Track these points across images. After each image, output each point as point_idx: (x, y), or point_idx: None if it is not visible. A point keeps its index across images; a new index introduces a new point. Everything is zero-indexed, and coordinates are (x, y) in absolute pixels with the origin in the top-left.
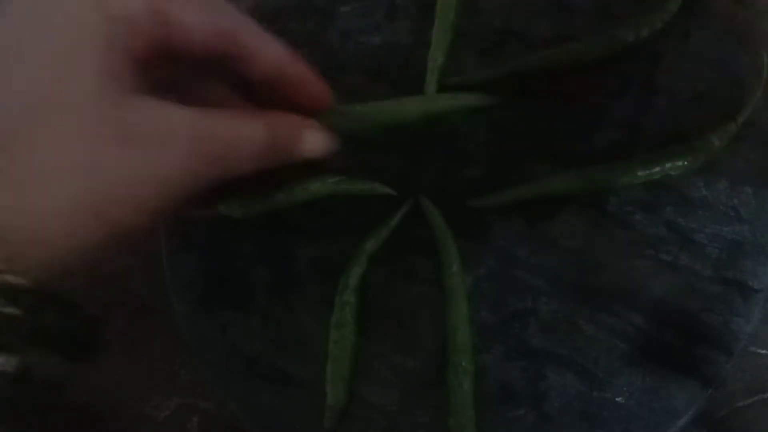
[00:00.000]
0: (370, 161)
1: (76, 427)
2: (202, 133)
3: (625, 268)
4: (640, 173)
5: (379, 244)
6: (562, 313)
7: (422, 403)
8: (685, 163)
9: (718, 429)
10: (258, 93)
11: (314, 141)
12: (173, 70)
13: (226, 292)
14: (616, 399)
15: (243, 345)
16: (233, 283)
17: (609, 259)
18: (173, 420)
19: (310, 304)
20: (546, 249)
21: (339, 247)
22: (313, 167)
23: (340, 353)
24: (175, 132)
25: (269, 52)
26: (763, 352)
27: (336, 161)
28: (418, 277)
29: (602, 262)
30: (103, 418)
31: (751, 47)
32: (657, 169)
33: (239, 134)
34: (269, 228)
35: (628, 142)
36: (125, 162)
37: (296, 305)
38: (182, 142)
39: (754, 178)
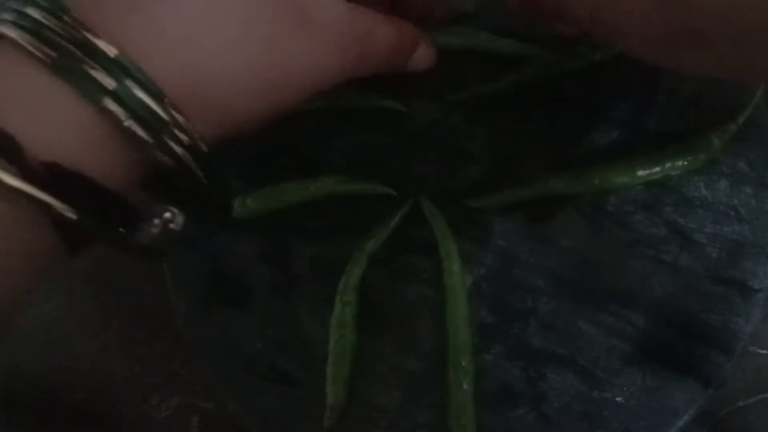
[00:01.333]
0: (370, 161)
1: (76, 427)
2: (358, 29)
3: (625, 268)
4: (640, 173)
5: (379, 244)
6: (562, 313)
7: (422, 403)
8: (685, 163)
9: (718, 429)
10: None
11: (425, 55)
12: None
13: (226, 292)
14: (616, 399)
15: (243, 345)
16: (233, 283)
17: (609, 259)
18: (173, 420)
19: (310, 304)
20: (546, 249)
21: (339, 247)
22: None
23: (340, 353)
24: (338, 25)
25: None
26: (763, 352)
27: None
28: (418, 277)
29: (602, 262)
30: (103, 418)
31: None
32: (657, 169)
33: (379, 34)
34: (269, 228)
35: (628, 142)
36: (301, 43)
37: (296, 305)
38: (341, 35)
39: (754, 178)
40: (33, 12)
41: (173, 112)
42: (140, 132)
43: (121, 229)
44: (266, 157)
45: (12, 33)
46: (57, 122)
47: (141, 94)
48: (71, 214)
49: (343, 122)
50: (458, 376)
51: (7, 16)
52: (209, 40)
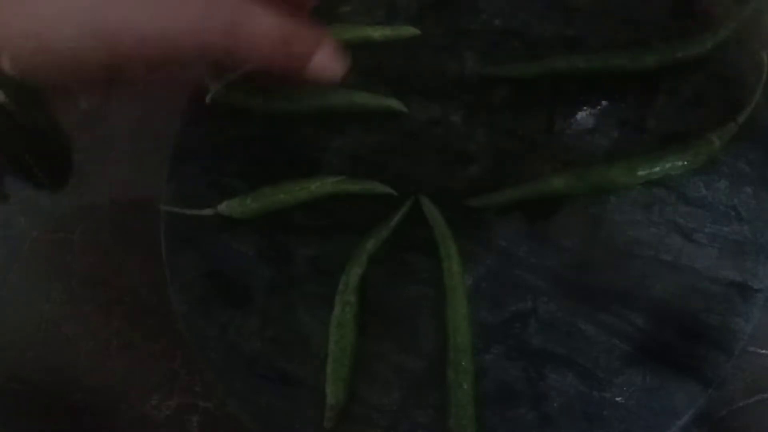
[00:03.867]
0: (370, 161)
1: (76, 427)
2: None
3: (625, 268)
4: (640, 173)
5: (379, 244)
6: (562, 313)
7: (422, 403)
8: (685, 163)
9: (718, 429)
10: None
11: (331, 56)
12: None
13: (226, 292)
14: (616, 399)
15: (243, 345)
16: (233, 283)
17: (609, 259)
18: (173, 420)
19: (310, 304)
20: (546, 249)
21: (339, 247)
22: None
23: (340, 353)
24: None
25: None
26: (763, 352)
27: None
28: (418, 277)
29: (602, 262)
30: (103, 418)
31: (751, 47)
32: (657, 169)
33: (255, 13)
34: (269, 228)
35: (628, 142)
36: (143, 3)
37: (296, 305)
38: (199, 2)
39: (754, 178)
40: None
41: None
42: None
43: None
44: (266, 157)
45: None
46: None
47: None
48: None
49: (343, 122)
50: (458, 376)
51: None
52: None
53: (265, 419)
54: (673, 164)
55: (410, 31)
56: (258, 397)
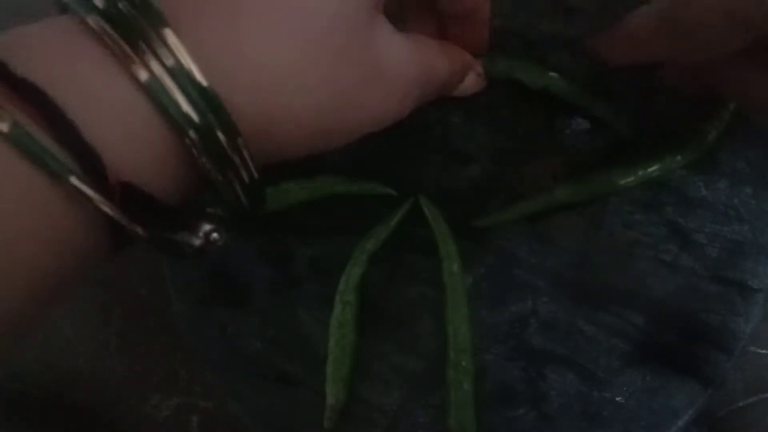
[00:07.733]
0: (371, 161)
1: (76, 427)
2: (423, 75)
3: (625, 268)
4: (640, 173)
5: (379, 244)
6: (562, 313)
7: (422, 403)
8: (682, 156)
9: (718, 429)
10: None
11: (472, 82)
12: None
13: (226, 292)
14: (616, 399)
15: (243, 345)
16: (233, 283)
17: (609, 259)
18: (173, 420)
19: (310, 304)
20: (546, 249)
21: (339, 247)
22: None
23: (340, 353)
24: (407, 75)
25: None
26: (763, 351)
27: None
28: (418, 277)
29: (602, 262)
30: (103, 418)
31: None
32: (656, 166)
33: (438, 74)
34: (269, 228)
35: (628, 142)
36: (370, 97)
37: (296, 305)
38: (407, 84)
39: (754, 178)
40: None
41: (243, 152)
42: (212, 169)
43: (173, 239)
44: None
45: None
46: (141, 145)
47: (220, 134)
48: (140, 231)
49: None
50: (458, 376)
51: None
52: (289, 85)
53: (265, 419)
54: (672, 159)
55: None
56: (258, 397)
